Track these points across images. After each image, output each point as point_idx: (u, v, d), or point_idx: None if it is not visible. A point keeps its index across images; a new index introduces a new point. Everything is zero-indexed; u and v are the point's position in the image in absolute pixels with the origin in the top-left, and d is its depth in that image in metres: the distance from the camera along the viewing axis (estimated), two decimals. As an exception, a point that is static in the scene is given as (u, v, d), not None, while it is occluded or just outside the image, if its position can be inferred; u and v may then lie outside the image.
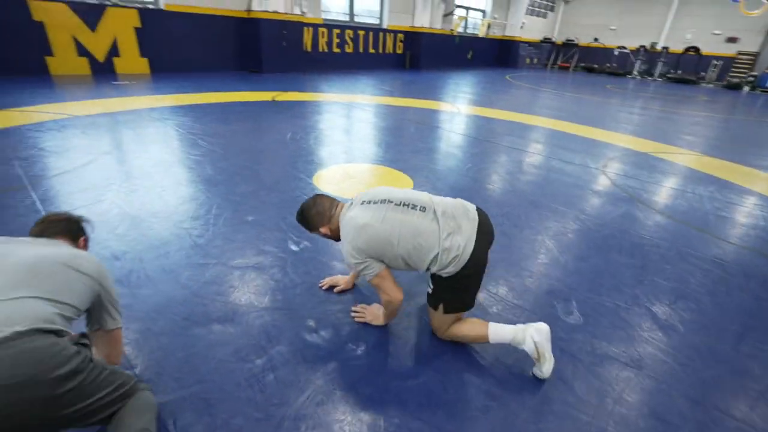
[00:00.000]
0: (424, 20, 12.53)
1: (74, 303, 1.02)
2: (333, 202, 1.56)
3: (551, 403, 1.34)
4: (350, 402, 1.29)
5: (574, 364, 1.51)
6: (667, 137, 5.65)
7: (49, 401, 0.85)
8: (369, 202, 1.47)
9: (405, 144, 4.38)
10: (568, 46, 18.58)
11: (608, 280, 2.07)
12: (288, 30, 9.02)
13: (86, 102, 5.12)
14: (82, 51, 6.99)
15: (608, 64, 17.41)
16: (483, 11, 15.94)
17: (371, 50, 12.05)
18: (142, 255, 1.97)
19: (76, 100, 5.16)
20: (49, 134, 3.69)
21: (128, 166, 3.14)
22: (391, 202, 1.46)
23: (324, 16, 10.64)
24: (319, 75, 9.66)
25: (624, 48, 16.94)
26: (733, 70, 15.33)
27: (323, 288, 1.84)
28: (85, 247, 1.33)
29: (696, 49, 15.46)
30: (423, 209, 1.44)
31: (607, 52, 17.51)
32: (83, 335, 1.03)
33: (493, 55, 17.06)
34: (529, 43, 17.63)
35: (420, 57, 12.98)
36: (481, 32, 15.23)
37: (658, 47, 16.53)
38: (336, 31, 10.82)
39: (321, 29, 10.43)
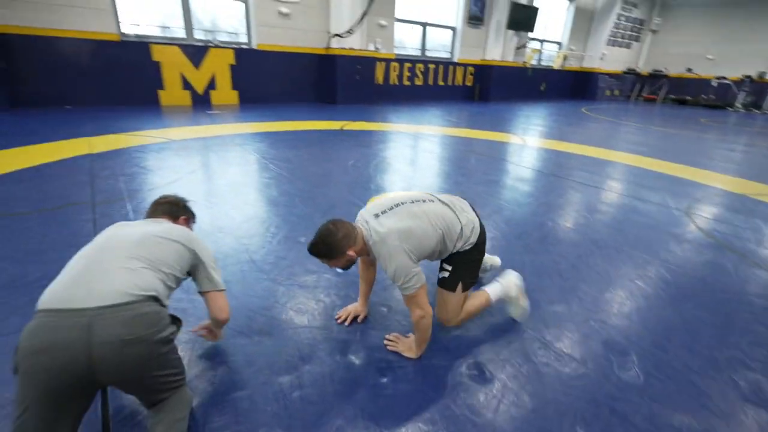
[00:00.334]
0: (496, 53, 12.56)
1: (173, 269, 1.24)
2: (351, 224, 1.53)
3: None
4: (370, 431, 1.27)
5: (627, 429, 1.34)
6: (774, 178, 4.92)
7: (146, 359, 1.06)
8: (383, 213, 1.54)
9: (464, 175, 4.35)
10: (656, 77, 17.26)
11: (680, 337, 1.82)
12: (361, 65, 9.60)
13: (184, 128, 5.88)
14: (186, 85, 8.10)
15: (704, 96, 15.79)
16: (559, 43, 15.56)
17: (441, 83, 12.31)
18: (205, 265, 2.17)
19: (176, 127, 5.95)
20: (149, 155, 4.29)
21: (207, 185, 3.51)
22: (404, 203, 1.59)
23: (398, 51, 11.18)
24: (388, 106, 10.07)
25: (724, 78, 15.30)
26: None
27: (342, 322, 1.77)
28: (185, 224, 1.52)
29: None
30: (431, 200, 1.65)
31: (702, 83, 15.94)
32: (173, 317, 1.24)
33: (568, 87, 16.44)
34: (610, 75, 16.72)
35: (489, 89, 12.95)
36: (555, 64, 14.82)
37: (768, 77, 14.67)
38: (407, 65, 11.28)
39: (393, 64, 10.94)
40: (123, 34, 7.36)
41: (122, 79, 7.43)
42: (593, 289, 2.18)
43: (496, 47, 12.49)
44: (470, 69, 12.80)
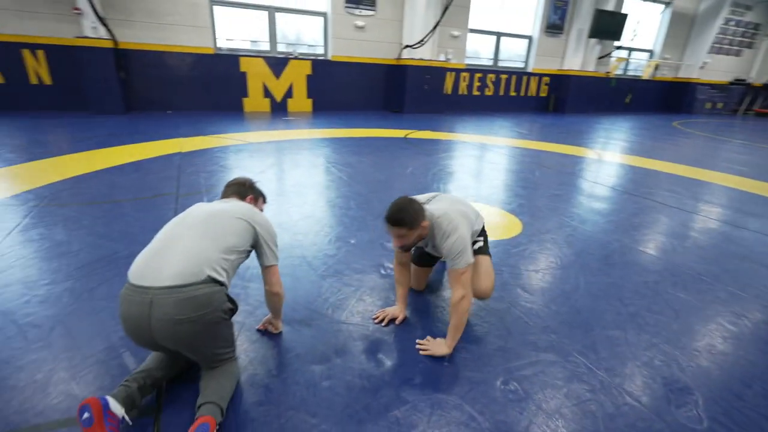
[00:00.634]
0: (575, 63, 11.86)
1: (236, 243, 1.37)
2: None
3: None
4: (387, 429, 1.29)
5: (676, 474, 1.19)
6: None
7: (195, 335, 1.22)
8: (428, 201, 1.80)
9: (526, 187, 4.17)
10: (773, 88, 15.00)
11: (765, 386, 1.58)
12: (431, 74, 9.66)
13: (261, 132, 6.40)
14: (267, 94, 8.81)
15: (837, 112, 13.36)
16: (650, 51, 14.24)
17: (512, 93, 11.92)
18: (261, 256, 2.36)
19: (254, 131, 6.50)
20: (228, 155, 4.74)
21: (273, 184, 3.79)
22: (438, 194, 1.90)
23: (471, 61, 11.08)
24: (456, 116, 10.00)
25: None
26: None
27: (379, 322, 1.81)
28: (252, 203, 1.67)
29: None
30: (446, 193, 2.02)
31: (835, 96, 13.50)
32: (230, 299, 1.34)
33: (657, 99, 14.93)
34: (712, 86, 14.88)
35: (566, 100, 12.25)
36: (645, 74, 13.56)
37: None
38: (478, 75, 11.11)
39: (463, 74, 10.86)
40: (217, 48, 8.25)
41: (214, 88, 8.32)
42: (658, 319, 1.97)
43: (576, 56, 11.81)
44: (545, 79, 12.23)
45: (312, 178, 4.07)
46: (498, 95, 11.72)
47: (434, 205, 1.75)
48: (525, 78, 11.91)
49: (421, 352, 1.64)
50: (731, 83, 15.52)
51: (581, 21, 11.33)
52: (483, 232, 2.00)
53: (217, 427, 1.19)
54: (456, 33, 10.20)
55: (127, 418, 1.17)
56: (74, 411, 1.23)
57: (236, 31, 8.47)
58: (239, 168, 4.26)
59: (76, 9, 6.60)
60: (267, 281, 1.52)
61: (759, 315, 2.06)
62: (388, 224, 1.58)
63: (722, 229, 3.22)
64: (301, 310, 1.89)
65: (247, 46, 8.70)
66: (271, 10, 8.47)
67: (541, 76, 12.11)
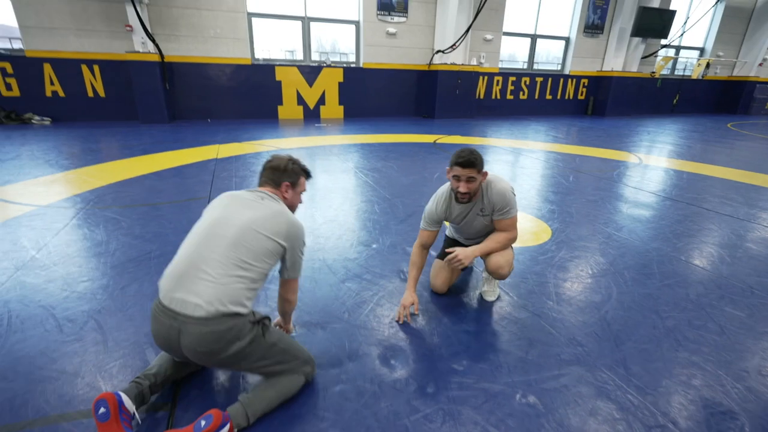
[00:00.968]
0: (616, 63, 11.33)
1: (265, 268, 1.33)
2: None
3: None
4: (399, 438, 1.25)
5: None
6: None
7: (221, 362, 1.26)
8: None
9: (558, 192, 4.00)
10: None
11: (822, 411, 1.40)
12: (463, 79, 9.56)
13: (292, 139, 6.58)
14: (300, 101, 9.06)
15: None
16: (701, 49, 13.36)
17: (548, 96, 11.56)
18: (283, 259, 2.40)
19: (287, 137, 6.68)
20: (261, 160, 4.90)
21: (301, 189, 3.87)
22: None
23: (507, 64, 10.88)
24: (488, 120, 9.82)
25: None
26: None
27: (402, 321, 1.84)
28: (287, 192, 1.49)
29: None
30: None
31: None
32: (264, 317, 1.32)
33: (709, 100, 13.95)
34: (774, 84, 13.71)
35: (606, 103, 11.71)
36: (695, 73, 12.71)
37: None
38: (512, 78, 10.87)
39: (496, 78, 10.66)
40: (254, 59, 8.59)
41: (251, 97, 8.66)
42: (700, 335, 1.81)
43: (618, 57, 11.28)
44: (584, 81, 11.77)
45: (338, 183, 4.11)
46: (533, 99, 11.40)
47: None
48: (561, 80, 11.52)
49: (450, 259, 1.79)
50: (796, 81, 14.22)
51: (623, 20, 10.83)
52: None
53: (235, 430, 1.20)
54: (489, 36, 10.05)
55: (137, 415, 1.21)
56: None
57: (272, 42, 8.79)
58: (269, 173, 4.38)
59: (128, 26, 7.11)
60: (282, 287, 1.51)
61: (821, 335, 1.84)
62: (461, 167, 1.70)
63: (780, 239, 2.93)
64: (317, 313, 1.89)
65: (282, 55, 9.00)
66: (305, 21, 8.73)
67: (579, 78, 11.67)
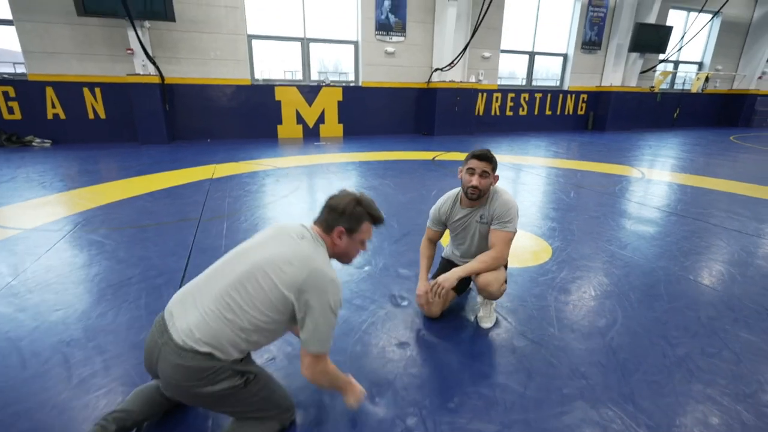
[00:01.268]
0: (615, 79, 11.36)
1: (256, 315, 1.12)
2: None
3: None
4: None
5: None
6: None
7: (189, 398, 1.18)
8: None
9: (558, 209, 3.89)
10: None
11: None
12: (461, 96, 9.59)
13: (290, 158, 6.54)
14: (300, 120, 9.09)
15: None
16: (699, 63, 13.41)
17: (548, 112, 11.56)
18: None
19: (285, 156, 6.65)
20: (256, 180, 4.84)
21: (293, 208, 3.79)
22: None
23: (505, 81, 10.93)
24: (488, 137, 9.79)
25: None
26: None
27: (433, 297, 1.80)
28: (339, 238, 1.27)
29: None
30: None
31: None
32: (249, 371, 1.17)
33: (710, 114, 13.92)
34: (775, 97, 13.70)
35: (606, 117, 11.69)
36: (694, 87, 12.72)
37: None
38: (511, 95, 10.90)
39: (495, 94, 10.69)
40: (254, 79, 8.67)
41: (251, 117, 8.70)
42: (714, 364, 1.66)
43: (616, 72, 11.32)
44: (583, 96, 11.79)
45: (333, 202, 4.02)
46: (533, 115, 11.40)
47: None
48: (561, 96, 11.55)
49: (432, 290, 1.76)
50: (797, 93, 14.20)
51: (620, 36, 10.92)
52: None
53: None
54: (487, 54, 10.13)
55: None
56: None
57: (272, 62, 8.89)
58: (264, 193, 4.31)
59: (129, 49, 7.21)
60: (301, 364, 1.20)
61: None
62: (478, 159, 1.75)
63: (794, 256, 2.79)
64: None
65: (282, 75, 9.08)
66: (305, 41, 8.84)
67: (578, 93, 11.70)
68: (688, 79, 13.44)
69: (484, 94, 10.51)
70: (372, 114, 9.66)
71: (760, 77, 13.24)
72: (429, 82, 9.68)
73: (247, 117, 8.69)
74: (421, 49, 9.58)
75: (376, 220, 1.34)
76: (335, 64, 9.48)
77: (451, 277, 1.76)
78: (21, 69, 7.40)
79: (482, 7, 8.61)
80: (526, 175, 5.50)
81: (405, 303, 2.12)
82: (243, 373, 1.15)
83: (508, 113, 11.08)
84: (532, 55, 11.06)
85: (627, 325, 1.93)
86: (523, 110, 11.23)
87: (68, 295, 2.13)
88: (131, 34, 7.04)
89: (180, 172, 5.23)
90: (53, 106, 7.46)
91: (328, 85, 9.09)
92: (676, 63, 12.99)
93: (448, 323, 1.96)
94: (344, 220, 1.27)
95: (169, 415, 1.35)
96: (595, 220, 3.55)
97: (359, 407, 1.36)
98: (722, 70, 13.34)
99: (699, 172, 5.83)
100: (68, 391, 1.46)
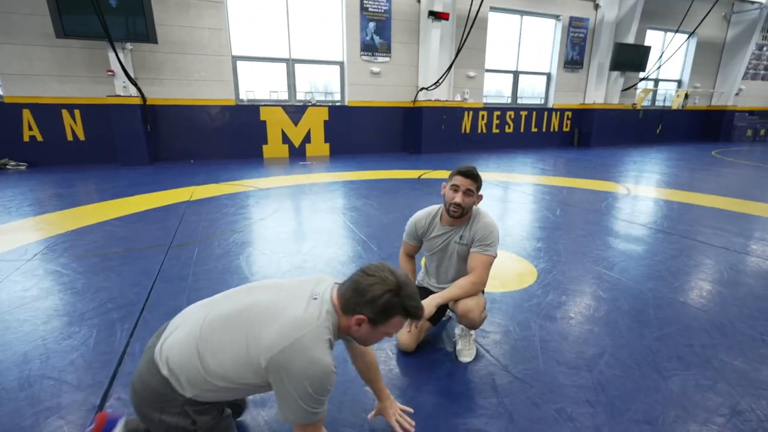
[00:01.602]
0: (598, 97, 11.58)
1: (233, 378, 0.99)
2: None
3: None
4: None
5: None
6: None
7: (144, 416, 1.07)
8: None
9: (544, 228, 3.81)
10: (821, 112, 13.99)
11: None
12: (447, 115, 9.64)
13: (273, 178, 6.42)
14: (285, 140, 9.01)
15: None
16: (678, 81, 13.77)
17: (534, 129, 11.69)
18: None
19: (267, 177, 6.52)
20: (235, 202, 4.69)
21: (269, 231, 3.64)
22: None
23: (491, 99, 11.05)
24: (475, 154, 9.81)
25: None
26: None
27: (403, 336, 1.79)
28: (359, 326, 1.03)
29: None
30: None
31: None
32: (205, 411, 1.04)
33: (691, 129, 14.22)
34: (751, 112, 14.09)
35: (591, 134, 11.85)
36: (674, 104, 13.02)
37: None
38: (496, 113, 11.01)
39: (481, 112, 10.79)
40: (239, 100, 8.61)
41: (235, 137, 8.60)
42: (711, 399, 1.53)
43: (598, 90, 11.54)
44: (567, 113, 11.96)
45: (312, 224, 3.89)
46: (519, 132, 11.50)
47: None
48: (546, 113, 11.70)
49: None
50: (773, 109, 14.64)
51: (601, 55, 11.17)
52: None
53: None
54: (472, 73, 10.26)
55: None
56: None
57: (257, 83, 8.86)
58: (241, 215, 4.16)
59: (110, 71, 7.12)
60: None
61: None
62: (463, 176, 1.69)
63: (783, 274, 2.71)
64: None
65: (267, 95, 9.05)
66: (290, 62, 8.86)
67: (563, 111, 11.87)
68: (669, 96, 13.77)
69: (470, 113, 10.60)
70: (359, 133, 9.63)
71: (737, 94, 13.62)
72: (415, 101, 9.73)
73: (232, 137, 8.59)
74: (407, 69, 9.66)
75: (413, 316, 1.06)
76: (325, 85, 9.49)
77: (429, 304, 1.63)
78: (-3, 91, 7.24)
79: (464, 28, 8.75)
80: (512, 193, 5.44)
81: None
82: (194, 420, 1.04)
83: (495, 131, 11.17)
84: (516, 74, 11.23)
85: (616, 356, 1.80)
86: (509, 127, 11.34)
87: (6, 336, 1.94)
88: (112, 55, 6.96)
89: (157, 194, 5.06)
90: (30, 129, 7.28)
91: (314, 105, 9.07)
92: (656, 81, 13.32)
93: (423, 358, 1.81)
94: (369, 309, 1.00)
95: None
96: (582, 239, 3.46)
97: None
98: (700, 87, 13.71)
99: (684, 188, 5.84)
100: (-14, 453, 1.27)
